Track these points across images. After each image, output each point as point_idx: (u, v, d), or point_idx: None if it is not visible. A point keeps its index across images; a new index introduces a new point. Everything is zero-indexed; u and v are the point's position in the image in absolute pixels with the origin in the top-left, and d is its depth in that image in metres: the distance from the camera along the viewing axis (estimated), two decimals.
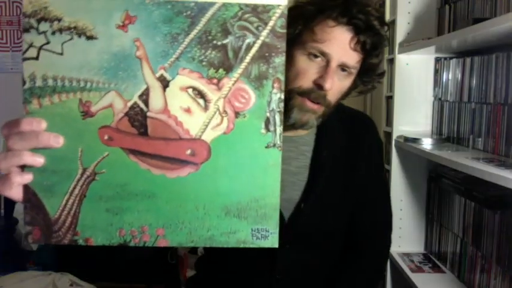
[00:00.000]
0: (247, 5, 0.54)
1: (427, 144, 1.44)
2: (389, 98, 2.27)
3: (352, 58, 0.82)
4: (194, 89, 0.55)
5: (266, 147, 0.56)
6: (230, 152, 0.56)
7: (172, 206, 0.56)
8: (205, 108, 0.55)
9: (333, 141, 0.95)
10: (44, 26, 0.54)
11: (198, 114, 0.55)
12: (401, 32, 1.60)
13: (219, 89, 0.55)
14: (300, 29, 0.82)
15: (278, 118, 0.56)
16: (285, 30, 0.55)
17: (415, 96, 1.62)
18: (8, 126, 0.54)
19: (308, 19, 0.82)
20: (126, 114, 0.55)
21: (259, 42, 0.55)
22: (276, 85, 0.56)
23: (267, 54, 0.55)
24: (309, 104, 0.84)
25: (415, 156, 1.60)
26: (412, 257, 1.61)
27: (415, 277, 1.44)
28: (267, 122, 0.56)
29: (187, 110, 0.55)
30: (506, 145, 1.17)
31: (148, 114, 0.55)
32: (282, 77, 0.56)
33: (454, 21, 1.49)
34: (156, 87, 0.55)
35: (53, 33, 0.54)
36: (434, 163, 1.49)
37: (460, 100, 1.43)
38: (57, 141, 0.54)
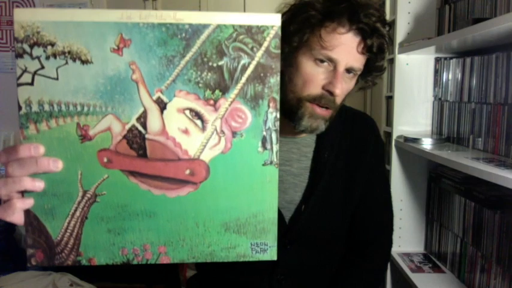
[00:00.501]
0: (241, 26, 0.55)
1: (427, 144, 1.44)
2: (390, 98, 2.27)
3: (359, 61, 0.83)
4: (191, 110, 0.56)
5: (263, 164, 0.58)
6: (228, 170, 0.57)
7: (173, 224, 0.58)
8: (203, 128, 0.56)
9: (334, 142, 0.95)
10: (37, 51, 0.54)
11: (196, 134, 0.56)
12: (401, 32, 1.60)
13: (216, 109, 0.56)
14: (307, 36, 0.81)
15: (274, 136, 0.57)
16: (279, 51, 0.56)
17: (415, 96, 1.62)
18: (6, 153, 0.54)
19: (315, 26, 0.80)
20: (125, 137, 0.56)
21: (254, 63, 0.56)
22: (271, 104, 0.57)
23: (262, 74, 0.56)
24: (319, 111, 0.83)
25: (415, 156, 1.60)
26: (412, 257, 1.61)
27: (415, 277, 1.44)
28: (264, 140, 0.57)
29: (185, 131, 0.56)
30: (506, 145, 1.17)
31: (147, 136, 0.56)
32: (277, 97, 0.57)
33: (454, 21, 1.49)
34: (153, 110, 0.55)
35: (47, 58, 0.54)
36: (434, 163, 1.50)
37: (460, 100, 1.43)
38: (56, 165, 0.55)
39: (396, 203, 1.66)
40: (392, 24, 1.63)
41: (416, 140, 1.47)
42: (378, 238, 1.03)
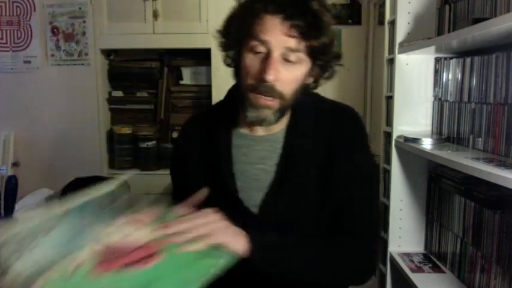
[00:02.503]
0: None
1: (427, 144, 1.44)
2: (390, 98, 2.26)
3: (292, 45, 0.83)
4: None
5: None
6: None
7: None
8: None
9: (307, 136, 0.94)
10: None
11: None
12: (401, 32, 1.60)
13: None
14: (241, 32, 0.86)
15: None
16: None
17: (415, 96, 1.62)
18: None
19: (243, 21, 0.86)
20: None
21: None
22: None
23: None
24: (262, 101, 0.86)
25: (415, 156, 1.60)
26: (412, 257, 1.62)
27: (415, 277, 1.44)
28: None
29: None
30: (506, 145, 1.17)
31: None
32: None
33: (454, 21, 1.49)
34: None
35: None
36: (434, 163, 1.50)
37: (460, 100, 1.43)
38: None
39: (396, 203, 1.66)
40: (392, 24, 1.64)
41: (416, 140, 1.47)
42: (364, 234, 0.96)
